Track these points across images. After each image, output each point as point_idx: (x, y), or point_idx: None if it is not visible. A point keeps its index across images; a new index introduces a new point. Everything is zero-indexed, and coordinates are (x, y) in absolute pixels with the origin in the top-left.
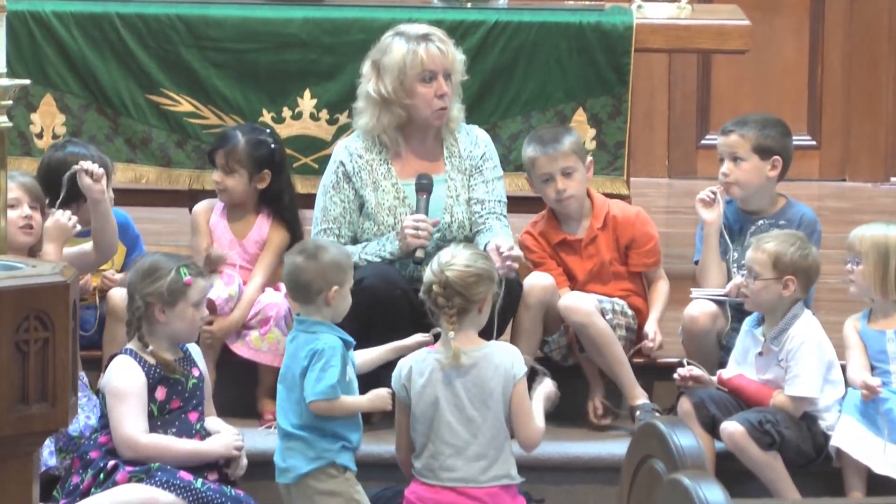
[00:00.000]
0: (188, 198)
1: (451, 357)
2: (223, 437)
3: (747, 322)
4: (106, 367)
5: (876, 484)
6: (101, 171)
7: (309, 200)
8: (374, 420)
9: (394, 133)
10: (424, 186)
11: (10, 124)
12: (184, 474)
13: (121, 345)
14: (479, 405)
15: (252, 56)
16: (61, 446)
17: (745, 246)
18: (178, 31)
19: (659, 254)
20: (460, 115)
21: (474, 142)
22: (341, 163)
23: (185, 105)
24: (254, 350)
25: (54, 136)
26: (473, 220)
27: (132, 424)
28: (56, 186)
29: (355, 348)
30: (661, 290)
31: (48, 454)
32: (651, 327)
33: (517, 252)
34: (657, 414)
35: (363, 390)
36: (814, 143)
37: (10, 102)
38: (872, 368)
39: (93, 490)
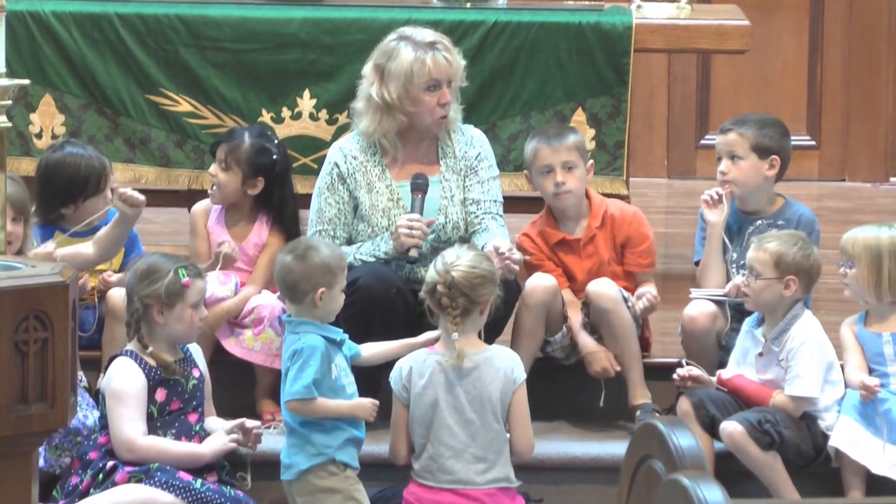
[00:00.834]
0: (187, 198)
1: (455, 358)
2: (217, 438)
3: (747, 322)
4: (106, 367)
5: (875, 484)
6: (142, 198)
7: (308, 201)
8: (374, 420)
9: (393, 137)
10: (420, 186)
11: (10, 124)
12: (183, 475)
13: (120, 345)
14: (478, 408)
15: (251, 56)
16: (57, 443)
17: (743, 246)
18: (178, 32)
19: (653, 256)
20: (457, 117)
21: (469, 142)
22: (336, 164)
23: (184, 105)
24: (247, 349)
25: (53, 136)
26: (469, 220)
27: (130, 427)
28: (54, 187)
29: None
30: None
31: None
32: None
33: (517, 255)
34: (657, 414)
35: (362, 388)
36: (813, 143)
37: (10, 102)
38: (870, 370)
39: (92, 490)
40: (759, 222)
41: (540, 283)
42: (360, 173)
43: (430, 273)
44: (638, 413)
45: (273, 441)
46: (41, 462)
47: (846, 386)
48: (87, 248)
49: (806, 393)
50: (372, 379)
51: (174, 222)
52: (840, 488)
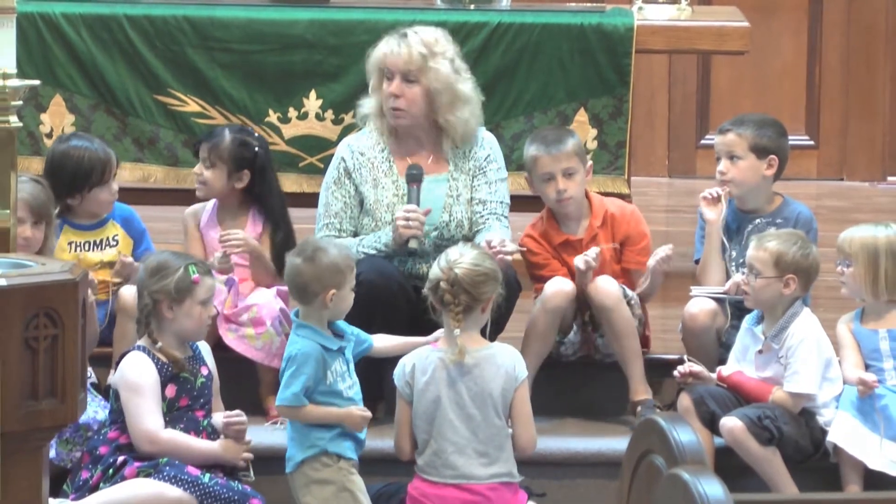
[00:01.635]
0: (195, 197)
1: (457, 354)
2: (236, 446)
3: (747, 320)
4: (117, 363)
5: (872, 479)
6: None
7: (313, 199)
8: (378, 415)
9: (392, 131)
10: (414, 177)
11: (21, 124)
12: (191, 469)
13: (131, 342)
14: (480, 404)
15: (258, 57)
16: (68, 437)
17: (742, 244)
18: (186, 33)
19: (650, 255)
20: (466, 128)
21: (479, 143)
22: (343, 159)
23: (192, 105)
24: (248, 346)
25: None
26: (474, 219)
27: (151, 419)
28: (59, 178)
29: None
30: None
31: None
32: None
33: (511, 247)
34: (657, 410)
35: (366, 387)
36: (812, 142)
37: (20, 103)
38: (866, 367)
39: (101, 485)
40: (757, 221)
41: (561, 288)
42: (366, 168)
43: (434, 270)
44: (639, 409)
45: (278, 436)
46: (52, 455)
47: (844, 382)
48: None
49: (805, 389)
50: (375, 376)
51: (182, 221)
52: (838, 483)
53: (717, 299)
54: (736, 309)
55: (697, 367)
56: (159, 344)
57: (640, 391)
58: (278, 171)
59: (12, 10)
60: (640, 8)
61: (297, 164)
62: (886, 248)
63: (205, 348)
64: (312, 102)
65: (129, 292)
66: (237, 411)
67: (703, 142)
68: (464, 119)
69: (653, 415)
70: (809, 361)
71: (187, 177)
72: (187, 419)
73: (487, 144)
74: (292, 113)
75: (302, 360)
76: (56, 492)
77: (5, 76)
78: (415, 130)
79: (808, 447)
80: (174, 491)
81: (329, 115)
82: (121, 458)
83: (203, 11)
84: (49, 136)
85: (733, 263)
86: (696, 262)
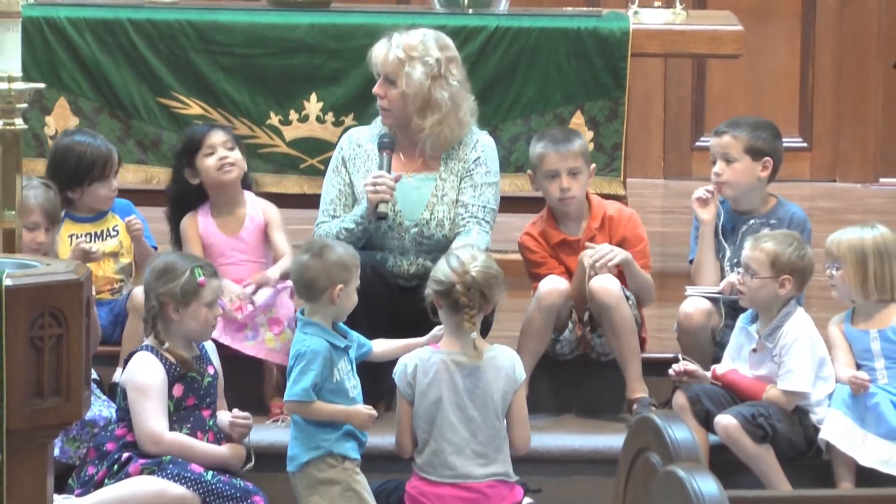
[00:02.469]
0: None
1: (475, 356)
2: (243, 451)
3: (741, 319)
4: (125, 362)
5: (864, 475)
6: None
7: (314, 201)
8: (379, 413)
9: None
10: (385, 144)
11: (26, 127)
12: (195, 467)
13: (140, 341)
14: (481, 406)
15: (260, 60)
16: (74, 434)
17: (737, 245)
18: (188, 37)
19: (648, 257)
20: (437, 136)
21: (473, 146)
22: (341, 148)
23: (194, 108)
24: (268, 350)
25: None
26: (456, 221)
27: (156, 421)
28: (61, 171)
29: (370, 337)
30: None
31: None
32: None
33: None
34: (653, 408)
35: (366, 387)
36: (805, 145)
37: (26, 105)
38: (858, 367)
39: (106, 481)
40: (752, 221)
41: (555, 286)
42: (360, 159)
43: (442, 272)
44: (635, 407)
45: (280, 434)
46: (59, 452)
47: (836, 381)
48: None
49: (798, 388)
50: (375, 376)
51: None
52: (831, 480)
53: (711, 299)
54: (730, 308)
55: (692, 366)
56: (166, 344)
57: (637, 389)
58: (279, 172)
59: (18, 15)
60: (636, 12)
61: (298, 166)
62: (873, 249)
63: (210, 347)
64: (313, 105)
65: (140, 292)
66: (245, 413)
67: (698, 144)
68: (432, 126)
69: (649, 413)
70: (803, 360)
71: None
72: (194, 418)
73: (480, 147)
74: (293, 115)
75: (311, 356)
76: (61, 487)
77: (11, 79)
78: (402, 129)
79: (801, 444)
80: (177, 488)
81: (329, 117)
82: (126, 455)
83: (206, 16)
84: (53, 138)
85: (728, 263)
86: (691, 262)
